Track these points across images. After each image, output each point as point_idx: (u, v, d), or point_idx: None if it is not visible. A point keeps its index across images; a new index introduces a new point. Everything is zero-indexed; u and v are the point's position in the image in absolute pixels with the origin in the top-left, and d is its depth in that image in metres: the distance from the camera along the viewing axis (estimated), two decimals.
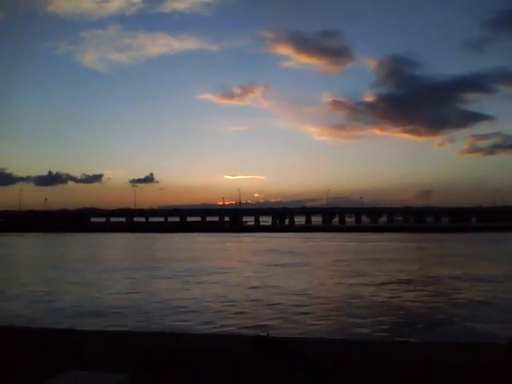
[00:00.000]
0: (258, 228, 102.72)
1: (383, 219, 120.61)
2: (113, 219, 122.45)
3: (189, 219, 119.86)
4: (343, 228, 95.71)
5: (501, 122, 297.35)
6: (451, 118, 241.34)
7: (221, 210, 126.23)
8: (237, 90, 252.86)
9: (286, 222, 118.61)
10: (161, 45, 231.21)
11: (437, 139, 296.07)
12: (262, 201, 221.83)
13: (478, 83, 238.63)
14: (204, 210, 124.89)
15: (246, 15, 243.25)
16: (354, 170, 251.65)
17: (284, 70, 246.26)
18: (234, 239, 65.95)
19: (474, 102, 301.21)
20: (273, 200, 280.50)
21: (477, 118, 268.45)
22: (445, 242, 53.02)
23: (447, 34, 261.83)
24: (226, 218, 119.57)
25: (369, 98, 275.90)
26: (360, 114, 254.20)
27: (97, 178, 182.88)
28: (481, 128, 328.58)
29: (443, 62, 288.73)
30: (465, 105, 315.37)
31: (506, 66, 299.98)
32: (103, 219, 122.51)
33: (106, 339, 10.55)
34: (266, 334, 8.93)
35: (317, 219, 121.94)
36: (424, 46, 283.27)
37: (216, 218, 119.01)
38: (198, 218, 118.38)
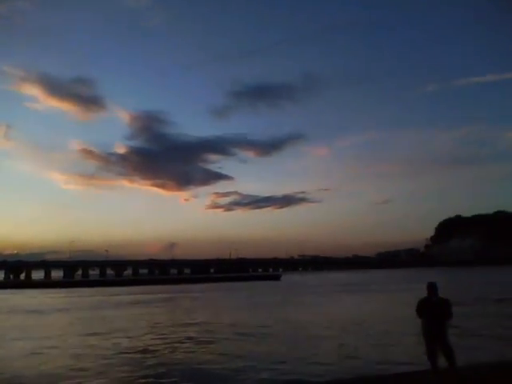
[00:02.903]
0: None
1: (128, 272, 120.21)
2: None
3: None
4: (86, 282, 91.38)
5: (238, 182, 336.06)
6: (196, 176, 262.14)
7: None
8: None
9: (22, 276, 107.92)
10: None
11: (183, 194, 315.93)
12: None
13: (220, 146, 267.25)
14: None
15: None
16: (102, 221, 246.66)
17: (31, 111, 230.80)
18: None
19: (216, 162, 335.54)
20: (7, 252, 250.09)
21: (218, 177, 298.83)
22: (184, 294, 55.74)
23: (196, 97, 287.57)
24: None
25: (120, 149, 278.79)
26: (111, 164, 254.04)
27: None
28: (221, 186, 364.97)
29: (191, 124, 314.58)
30: (208, 164, 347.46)
31: (245, 133, 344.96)
32: None
33: None
34: None
35: (59, 273, 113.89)
36: (175, 106, 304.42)
37: None
38: None
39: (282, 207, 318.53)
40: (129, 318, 26.92)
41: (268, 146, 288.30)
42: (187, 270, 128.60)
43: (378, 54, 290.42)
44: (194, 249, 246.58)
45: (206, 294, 49.21)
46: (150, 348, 15.66)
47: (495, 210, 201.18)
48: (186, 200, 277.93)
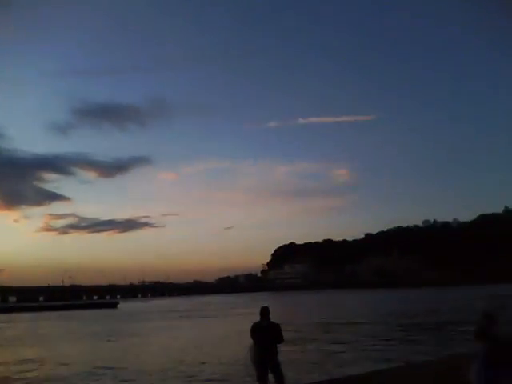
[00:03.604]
0: None
1: None
2: None
3: None
4: None
5: (76, 204, 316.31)
6: (29, 195, 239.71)
7: None
8: None
9: None
10: None
11: (12, 214, 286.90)
12: None
13: (57, 164, 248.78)
14: None
15: None
16: None
17: None
18: None
19: (53, 181, 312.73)
20: None
21: (54, 197, 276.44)
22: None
23: (34, 112, 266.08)
24: None
25: None
26: None
27: None
28: (57, 208, 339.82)
29: (27, 139, 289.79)
30: (43, 183, 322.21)
31: (85, 152, 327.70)
32: None
33: None
34: None
35: None
36: (9, 119, 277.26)
37: None
38: None
39: (123, 231, 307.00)
40: None
41: (111, 168, 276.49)
42: (13, 298, 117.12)
43: (226, 87, 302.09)
44: (22, 275, 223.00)
45: (27, 325, 45.53)
46: None
47: (324, 239, 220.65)
48: (15, 221, 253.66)
